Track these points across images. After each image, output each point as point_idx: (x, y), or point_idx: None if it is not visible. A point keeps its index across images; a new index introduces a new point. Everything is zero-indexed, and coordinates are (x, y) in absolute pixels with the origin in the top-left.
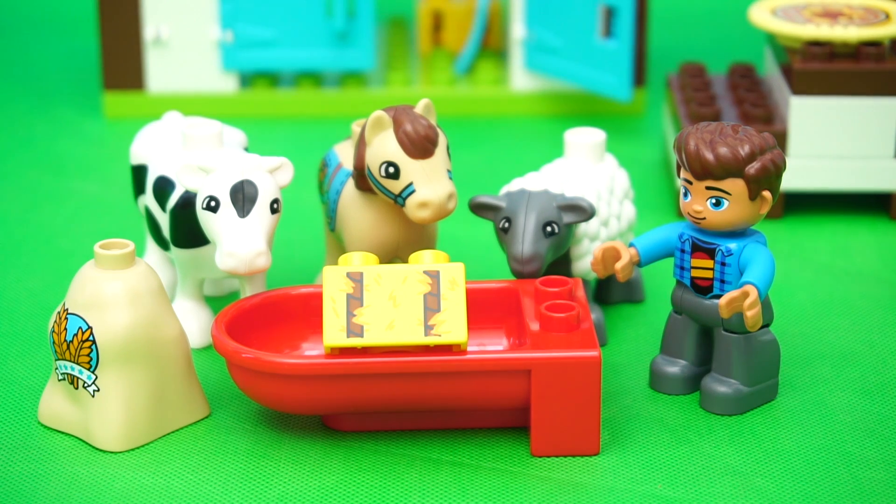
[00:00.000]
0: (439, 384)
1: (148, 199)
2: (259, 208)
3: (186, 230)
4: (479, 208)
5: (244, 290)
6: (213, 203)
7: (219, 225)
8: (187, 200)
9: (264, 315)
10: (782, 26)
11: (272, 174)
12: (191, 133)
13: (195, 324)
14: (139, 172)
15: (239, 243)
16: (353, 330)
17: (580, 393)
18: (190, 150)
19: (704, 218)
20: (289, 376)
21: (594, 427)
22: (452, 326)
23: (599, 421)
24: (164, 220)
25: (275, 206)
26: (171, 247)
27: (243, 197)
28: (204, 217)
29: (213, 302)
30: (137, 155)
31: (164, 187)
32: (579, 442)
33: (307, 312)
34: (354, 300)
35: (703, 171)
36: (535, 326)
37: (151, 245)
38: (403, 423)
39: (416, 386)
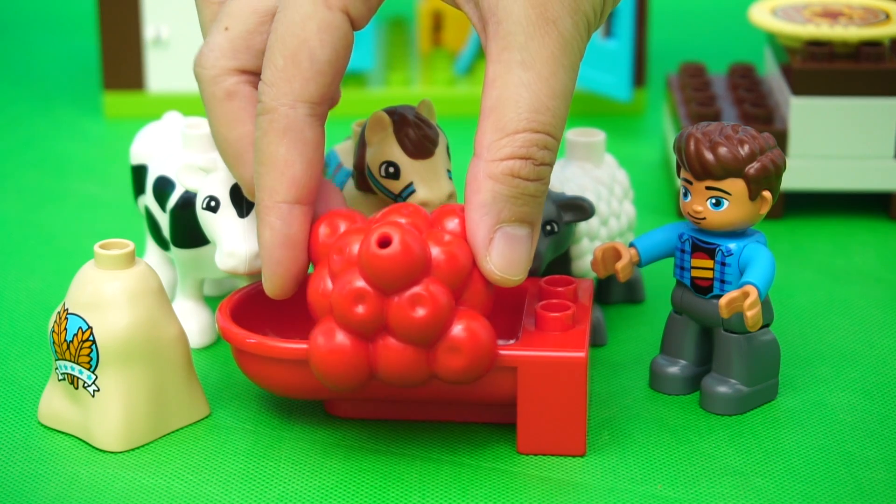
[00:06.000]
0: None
1: (148, 199)
2: None
3: (186, 230)
4: None
5: None
6: (213, 203)
7: (219, 225)
8: (187, 200)
9: (268, 301)
10: (782, 26)
11: None
12: (191, 133)
13: (195, 324)
14: (139, 172)
15: (239, 243)
16: None
17: (565, 393)
18: (190, 150)
19: (704, 218)
20: (293, 361)
21: (580, 428)
22: None
23: (585, 422)
24: (164, 220)
25: None
26: (171, 247)
27: (243, 197)
28: (204, 217)
29: (213, 302)
30: (137, 155)
31: (164, 187)
32: (565, 442)
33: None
34: None
35: (703, 171)
36: (530, 325)
37: (151, 245)
38: (401, 412)
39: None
